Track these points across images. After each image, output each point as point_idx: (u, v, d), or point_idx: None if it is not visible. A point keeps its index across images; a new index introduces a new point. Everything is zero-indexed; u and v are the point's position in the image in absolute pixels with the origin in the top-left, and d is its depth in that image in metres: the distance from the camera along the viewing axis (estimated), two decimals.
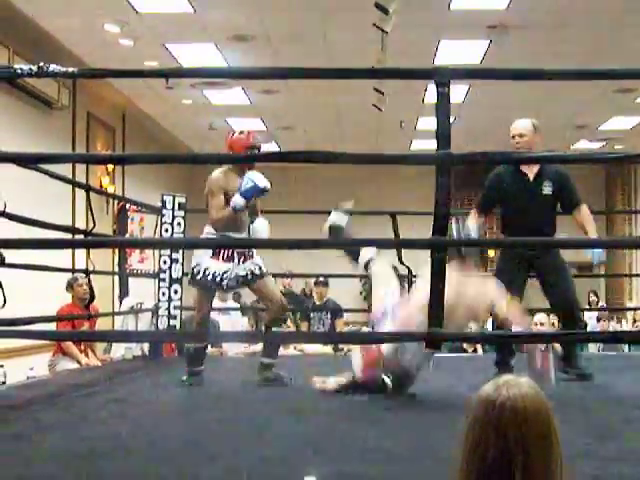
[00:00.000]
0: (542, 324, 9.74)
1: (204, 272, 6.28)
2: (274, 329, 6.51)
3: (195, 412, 5.14)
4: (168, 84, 10.82)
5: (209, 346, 7.42)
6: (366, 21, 8.64)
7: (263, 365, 6.45)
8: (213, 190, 6.28)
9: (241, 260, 6.33)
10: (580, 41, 10.68)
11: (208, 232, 6.39)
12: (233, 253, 6.33)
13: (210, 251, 6.31)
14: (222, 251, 6.34)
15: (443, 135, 4.00)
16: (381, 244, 4.21)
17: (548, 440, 1.75)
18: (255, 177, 6.03)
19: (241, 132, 6.43)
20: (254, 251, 6.51)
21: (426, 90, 12.31)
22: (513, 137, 6.32)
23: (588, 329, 12.75)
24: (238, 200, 6.06)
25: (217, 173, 6.34)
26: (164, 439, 4.19)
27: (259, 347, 8.41)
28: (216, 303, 9.04)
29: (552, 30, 10.34)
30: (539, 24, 10.15)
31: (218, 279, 6.28)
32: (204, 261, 6.28)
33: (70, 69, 4.19)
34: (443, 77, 4.03)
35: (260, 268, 6.42)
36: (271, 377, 6.39)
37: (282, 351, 8.86)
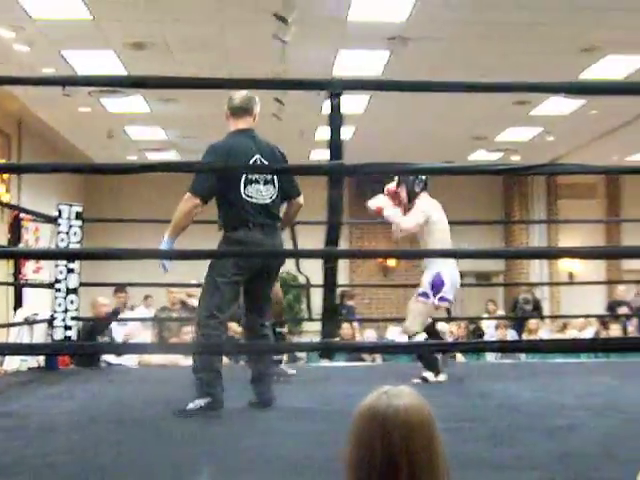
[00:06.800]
0: (443, 333, 9.87)
1: None
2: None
3: (90, 424, 5.05)
4: (65, 91, 10.74)
5: None
6: (266, 31, 8.64)
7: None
8: None
9: None
10: (479, 53, 10.83)
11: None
12: None
13: None
14: None
15: (335, 146, 4.02)
16: (276, 255, 4.20)
17: (432, 446, 1.77)
18: None
19: None
20: None
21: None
22: None
23: (486, 337, 12.98)
24: None
25: None
26: (57, 453, 4.11)
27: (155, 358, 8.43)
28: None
29: (452, 42, 10.46)
30: (439, 36, 10.25)
31: None
32: None
33: None
34: (336, 88, 4.06)
35: None
36: (278, 372, 6.79)
37: None
